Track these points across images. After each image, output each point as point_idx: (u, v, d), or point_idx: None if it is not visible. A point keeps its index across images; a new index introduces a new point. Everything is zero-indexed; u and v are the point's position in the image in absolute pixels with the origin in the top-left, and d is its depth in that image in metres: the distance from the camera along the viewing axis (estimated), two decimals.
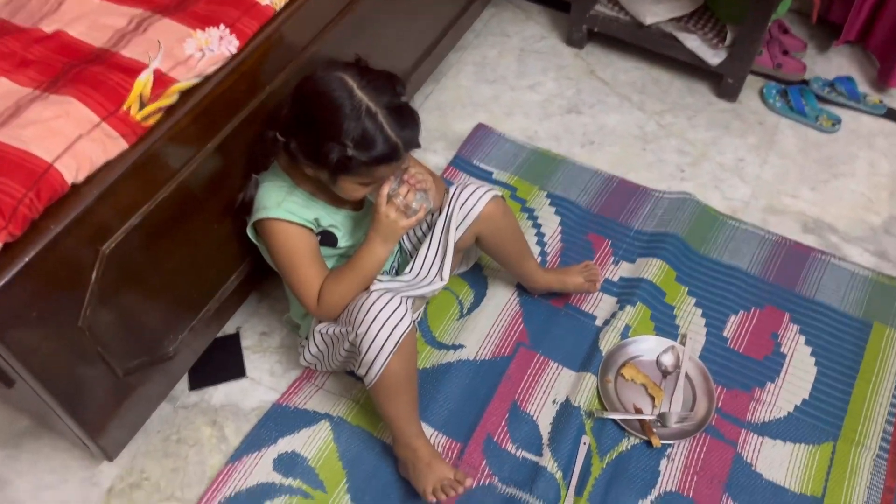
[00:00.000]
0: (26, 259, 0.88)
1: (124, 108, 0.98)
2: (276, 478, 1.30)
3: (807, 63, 1.95)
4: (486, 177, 1.74)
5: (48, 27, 1.08)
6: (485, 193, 1.30)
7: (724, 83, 1.88)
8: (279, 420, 1.37)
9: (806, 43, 2.01)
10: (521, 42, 2.06)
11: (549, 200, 1.70)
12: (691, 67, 1.93)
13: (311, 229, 1.19)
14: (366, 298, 1.16)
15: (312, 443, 1.34)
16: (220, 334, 1.47)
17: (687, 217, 1.65)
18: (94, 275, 0.99)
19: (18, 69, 1.01)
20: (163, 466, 1.32)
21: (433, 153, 1.81)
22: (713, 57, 1.84)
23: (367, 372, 1.17)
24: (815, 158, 1.79)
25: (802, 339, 1.48)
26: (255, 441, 1.34)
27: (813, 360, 1.46)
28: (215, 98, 1.08)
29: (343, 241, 1.25)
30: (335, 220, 1.23)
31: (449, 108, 1.90)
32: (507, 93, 1.94)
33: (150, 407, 1.29)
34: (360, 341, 1.15)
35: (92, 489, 1.29)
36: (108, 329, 1.07)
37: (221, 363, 1.45)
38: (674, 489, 1.29)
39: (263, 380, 1.43)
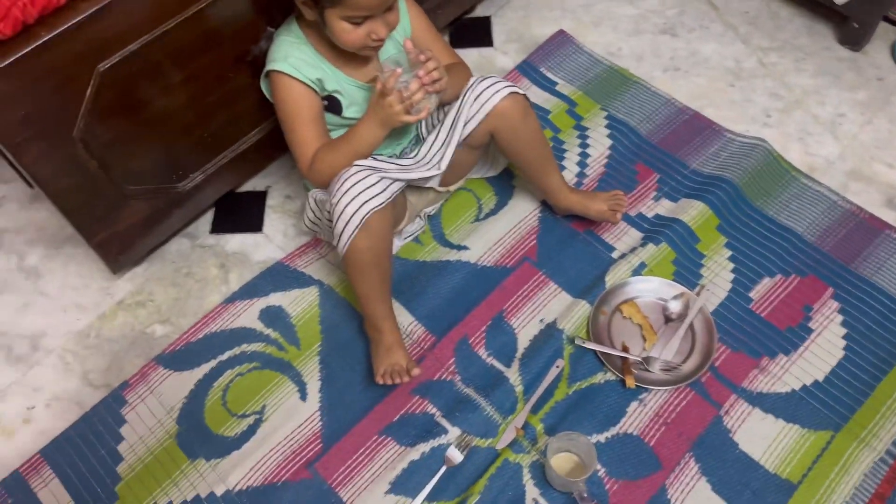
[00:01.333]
0: (13, 58, 0.96)
1: None
2: (259, 326, 1.38)
3: None
4: (549, 86, 1.66)
5: None
6: (503, 88, 1.24)
7: (849, 27, 1.64)
8: (277, 276, 1.43)
9: None
10: None
11: (606, 122, 1.59)
12: (817, 5, 1.69)
13: (315, 91, 1.20)
14: (345, 171, 1.16)
15: (299, 303, 1.40)
16: (249, 188, 1.55)
17: (752, 164, 1.49)
18: (88, 91, 1.06)
19: None
20: (167, 293, 1.43)
21: (503, 54, 1.74)
22: None
23: (337, 243, 1.19)
24: None
25: (840, 318, 1.32)
26: (250, 289, 1.42)
27: (844, 343, 1.29)
28: None
29: (348, 112, 1.25)
30: (341, 86, 1.22)
31: (536, 9, 1.81)
32: (603, 2, 1.80)
33: (161, 237, 1.40)
34: (332, 210, 1.16)
35: (106, 298, 1.44)
36: (107, 148, 1.15)
37: (244, 215, 1.53)
38: (635, 433, 1.23)
39: (276, 238, 1.50)
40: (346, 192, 1.14)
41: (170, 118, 1.22)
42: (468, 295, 1.39)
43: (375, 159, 1.24)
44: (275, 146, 1.45)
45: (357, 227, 1.14)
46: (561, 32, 1.74)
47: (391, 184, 1.18)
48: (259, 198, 1.56)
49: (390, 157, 1.31)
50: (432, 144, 1.28)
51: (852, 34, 1.64)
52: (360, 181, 1.14)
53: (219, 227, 1.52)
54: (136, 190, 1.25)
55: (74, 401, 1.31)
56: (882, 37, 1.66)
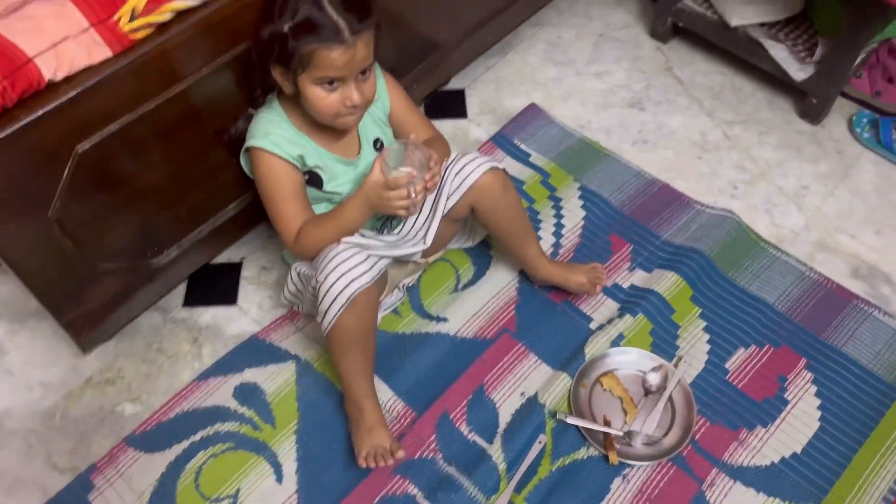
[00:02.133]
0: None
1: (115, 17, 1.02)
2: (233, 404, 1.34)
3: None
4: (523, 158, 1.69)
5: None
6: (483, 163, 1.27)
7: (807, 102, 1.71)
8: (252, 351, 1.40)
9: None
10: (603, 27, 1.96)
11: (579, 193, 1.62)
12: (777, 81, 1.76)
13: (296, 166, 1.20)
14: (333, 248, 1.16)
15: (275, 379, 1.37)
16: (223, 260, 1.53)
17: (722, 236, 1.52)
18: (66, 170, 1.04)
19: None
20: (138, 370, 1.39)
21: (477, 126, 1.77)
22: (799, 71, 1.67)
23: (321, 320, 1.17)
24: (892, 201, 1.59)
25: (814, 389, 1.34)
26: (224, 365, 1.39)
27: (819, 413, 1.31)
28: (214, 23, 1.10)
29: (329, 185, 1.25)
30: (322, 161, 1.23)
31: (507, 83, 1.85)
32: (572, 77, 1.86)
33: (132, 313, 1.36)
34: (319, 288, 1.15)
35: (73, 376, 1.39)
36: (82, 227, 1.13)
37: (218, 287, 1.51)
38: None
39: (251, 311, 1.48)
40: (333, 269, 1.13)
41: (147, 195, 1.20)
42: (448, 368, 1.38)
43: (362, 235, 1.24)
44: (251, 218, 1.44)
45: (343, 305, 1.13)
46: (532, 105, 1.78)
47: (378, 261, 1.18)
48: (234, 269, 1.54)
49: (373, 229, 1.31)
50: (416, 219, 1.29)
51: (811, 109, 1.71)
52: (347, 259, 1.14)
53: (192, 300, 1.49)
54: (110, 267, 1.22)
55: (38, 486, 1.25)
56: (839, 111, 1.74)
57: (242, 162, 1.25)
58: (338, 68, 1.08)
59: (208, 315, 1.47)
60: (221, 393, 1.35)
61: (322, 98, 1.11)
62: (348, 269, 1.14)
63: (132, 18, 1.02)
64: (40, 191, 1.05)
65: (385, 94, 1.30)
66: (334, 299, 1.14)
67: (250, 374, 1.38)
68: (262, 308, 1.48)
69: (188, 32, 1.08)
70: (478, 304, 1.46)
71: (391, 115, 1.32)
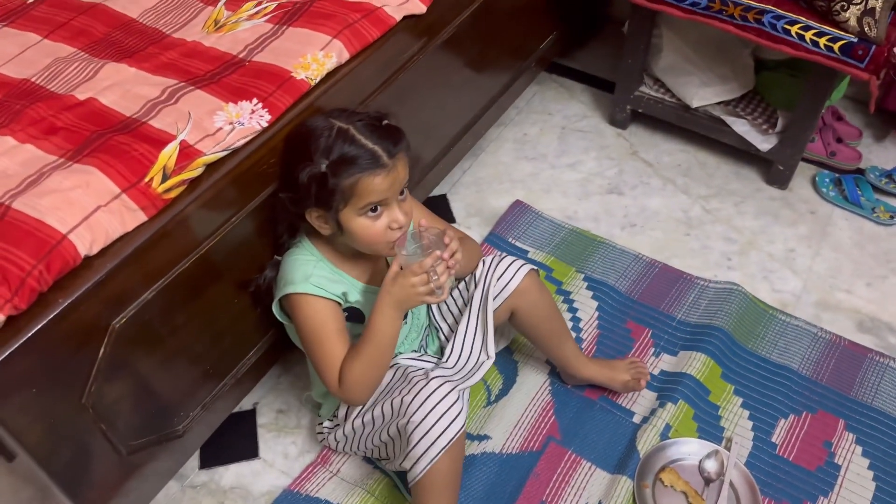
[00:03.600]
0: (29, 334, 0.84)
1: (146, 179, 0.95)
2: None
3: (862, 152, 1.87)
4: (521, 255, 1.68)
5: (81, 94, 1.07)
6: (521, 266, 1.26)
7: (774, 170, 1.81)
8: None
9: (861, 131, 1.93)
10: (564, 120, 2.03)
11: (586, 283, 1.62)
12: (739, 152, 1.86)
13: (339, 303, 1.14)
14: (425, 385, 1.09)
15: None
16: (235, 410, 1.42)
17: (734, 309, 1.55)
18: (101, 351, 0.94)
19: (46, 136, 1.00)
20: None
21: (467, 229, 1.76)
22: (763, 142, 1.77)
23: (412, 466, 1.09)
24: (872, 252, 1.69)
25: (859, 449, 1.36)
26: None
27: (871, 473, 1.33)
28: (242, 172, 1.05)
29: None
30: (363, 296, 1.17)
31: (486, 183, 1.86)
32: (547, 170, 1.89)
33: (156, 487, 1.23)
34: (413, 431, 1.08)
35: None
36: (114, 406, 1.02)
37: (234, 441, 1.39)
38: None
39: (276, 462, 1.36)
40: (430, 410, 1.07)
41: (178, 358, 1.10)
42: (503, 489, 1.31)
43: (424, 361, 1.18)
44: (269, 361, 1.35)
45: (443, 448, 1.07)
46: (518, 202, 1.80)
47: (465, 395, 1.13)
48: (248, 418, 1.43)
49: (415, 353, 1.25)
50: (465, 336, 1.24)
51: (778, 175, 1.81)
52: (443, 398, 1.08)
53: (209, 461, 1.36)
54: (138, 444, 1.10)
55: None
56: (803, 174, 1.85)
57: (275, 310, 1.17)
58: (382, 192, 1.05)
59: (230, 474, 1.34)
60: None
61: (368, 227, 1.07)
62: (446, 409, 1.08)
63: (164, 178, 0.96)
64: (74, 376, 0.94)
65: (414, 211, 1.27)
66: (433, 443, 1.07)
67: None
68: (288, 457, 1.37)
69: (219, 185, 1.02)
70: (516, 415, 1.41)
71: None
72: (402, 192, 1.10)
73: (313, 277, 1.11)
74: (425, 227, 1.10)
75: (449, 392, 1.08)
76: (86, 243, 0.89)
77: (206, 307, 1.11)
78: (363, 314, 1.18)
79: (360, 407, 1.20)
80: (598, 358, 1.46)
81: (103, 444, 1.04)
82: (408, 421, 1.08)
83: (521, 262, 1.27)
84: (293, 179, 1.04)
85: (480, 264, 1.28)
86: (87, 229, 0.89)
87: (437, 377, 1.11)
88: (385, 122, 1.08)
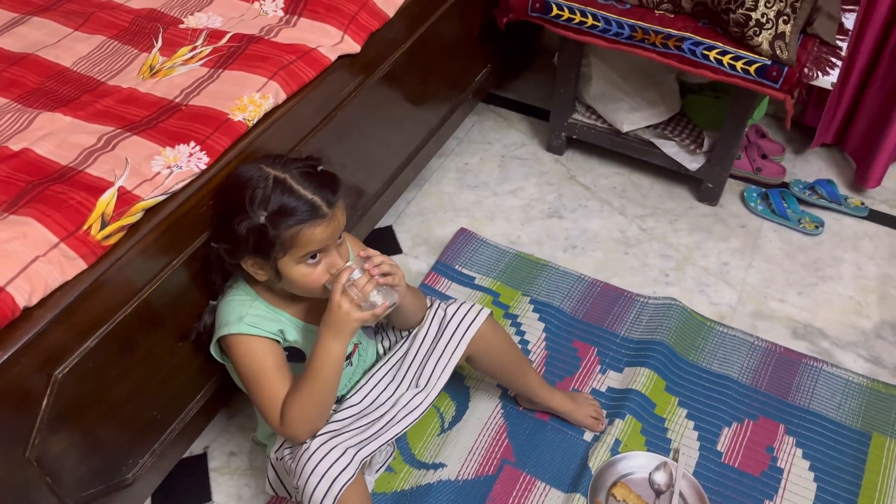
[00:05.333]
0: None
1: (85, 227, 0.95)
2: None
3: (786, 166, 1.97)
4: (468, 282, 1.71)
5: (15, 145, 1.07)
6: (479, 313, 1.26)
7: (704, 187, 1.89)
8: None
9: (784, 146, 2.03)
10: (503, 149, 2.08)
11: (532, 306, 1.66)
12: (670, 172, 1.94)
13: (277, 341, 1.14)
14: (304, 448, 1.10)
15: None
16: (185, 455, 1.40)
17: (674, 323, 1.61)
18: (44, 402, 0.93)
19: None
20: None
21: (414, 258, 1.79)
22: (692, 162, 1.85)
23: None
24: (801, 262, 1.77)
25: (799, 452, 1.42)
26: None
27: (812, 474, 1.38)
28: (181, 215, 1.05)
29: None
30: (301, 335, 1.17)
31: (431, 213, 1.89)
32: (489, 198, 1.94)
33: None
34: (302, 494, 1.09)
35: None
36: (60, 459, 1.00)
37: (187, 487, 1.37)
38: None
39: None
40: (312, 471, 1.07)
41: (123, 406, 1.09)
42: None
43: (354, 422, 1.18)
44: (217, 404, 1.34)
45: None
46: (463, 230, 1.83)
47: (358, 451, 1.12)
48: (199, 462, 1.41)
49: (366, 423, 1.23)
50: (402, 380, 1.24)
51: (708, 193, 1.89)
52: (323, 457, 1.08)
53: None
54: (86, 496, 1.08)
55: None
56: (731, 190, 1.93)
57: (213, 351, 1.17)
58: (322, 241, 1.05)
59: None
60: None
61: (308, 274, 1.07)
62: (327, 467, 1.08)
63: (104, 225, 0.96)
64: (16, 430, 0.92)
65: (350, 253, 1.28)
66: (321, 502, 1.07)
67: None
68: (242, 498, 1.36)
69: (159, 229, 1.03)
70: (470, 441, 1.43)
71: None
72: (339, 236, 1.11)
73: (247, 317, 1.11)
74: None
75: (331, 450, 1.09)
76: (24, 295, 0.88)
77: (150, 353, 1.10)
78: (304, 353, 1.18)
79: (277, 455, 1.19)
80: (556, 387, 1.46)
81: (50, 499, 1.01)
82: (296, 485, 1.10)
83: (474, 308, 1.26)
84: (229, 230, 1.04)
85: (432, 312, 1.27)
86: (25, 280, 0.88)
87: (319, 436, 1.11)
88: (320, 167, 1.08)
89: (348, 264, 1.09)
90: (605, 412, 1.46)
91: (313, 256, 1.07)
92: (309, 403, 1.10)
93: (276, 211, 1.01)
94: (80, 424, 1.02)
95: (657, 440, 1.43)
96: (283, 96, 1.20)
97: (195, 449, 1.42)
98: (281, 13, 1.35)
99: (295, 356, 1.19)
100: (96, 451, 1.08)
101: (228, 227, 1.04)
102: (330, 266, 1.09)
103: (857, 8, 1.66)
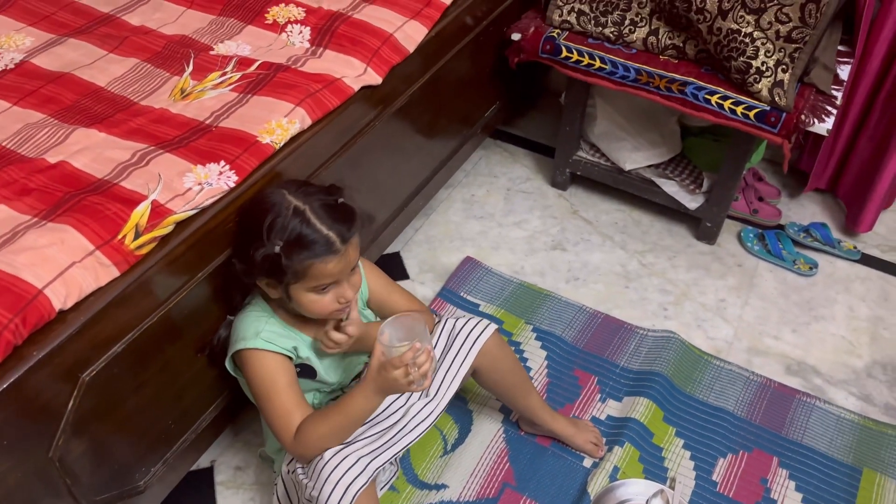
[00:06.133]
0: (4, 386, 0.86)
1: (119, 237, 1.00)
2: None
3: (782, 209, 2.03)
4: (472, 309, 1.76)
5: (52, 158, 1.12)
6: (486, 326, 1.30)
7: (702, 226, 1.95)
8: None
9: (780, 190, 2.10)
10: (508, 182, 2.14)
11: (534, 334, 1.71)
12: (670, 210, 2.00)
13: (290, 358, 1.18)
14: (319, 459, 1.13)
15: None
16: (193, 467, 1.42)
17: (672, 356, 1.65)
18: (71, 403, 0.96)
19: (19, 197, 1.04)
20: None
21: (420, 284, 1.83)
22: (691, 202, 1.92)
23: None
24: (795, 301, 1.83)
25: (792, 484, 1.45)
26: None
27: None
28: (210, 230, 1.10)
29: (322, 375, 1.24)
30: (314, 352, 1.21)
31: (438, 241, 1.95)
32: (495, 229, 1.99)
33: None
34: (317, 501, 1.11)
35: None
36: (80, 461, 1.03)
37: (193, 500, 1.39)
38: None
39: None
40: (326, 479, 1.10)
41: (142, 412, 1.12)
42: None
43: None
44: (227, 418, 1.37)
45: None
46: (468, 258, 1.88)
47: (370, 461, 1.15)
48: (205, 476, 1.43)
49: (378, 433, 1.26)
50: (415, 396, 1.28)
51: (706, 232, 1.95)
52: (337, 465, 1.11)
53: None
54: (100, 500, 1.10)
55: None
56: (729, 230, 2.00)
57: (228, 366, 1.21)
58: (333, 276, 1.09)
59: None
60: None
61: (316, 301, 1.12)
62: (341, 475, 1.10)
63: (137, 235, 1.01)
64: (43, 429, 0.95)
65: (364, 281, 1.31)
66: None
67: None
68: None
69: (188, 241, 1.07)
70: (472, 463, 1.46)
71: (370, 299, 1.34)
72: (353, 268, 1.14)
73: (264, 333, 1.15)
74: (406, 314, 1.11)
75: (343, 459, 1.11)
76: (60, 298, 0.92)
77: (169, 362, 1.14)
78: (315, 370, 1.22)
79: (289, 469, 1.22)
80: (558, 412, 1.50)
81: (67, 501, 1.04)
82: (310, 495, 1.12)
83: (481, 322, 1.30)
84: (246, 253, 1.08)
85: (441, 325, 1.31)
86: (61, 284, 0.93)
87: (331, 449, 1.13)
88: (341, 199, 1.12)
89: (424, 344, 1.08)
90: (604, 440, 1.49)
91: (324, 287, 1.11)
92: (332, 433, 1.14)
93: (292, 242, 1.05)
94: (100, 428, 1.05)
95: (655, 468, 1.46)
96: (308, 122, 1.26)
97: (202, 462, 1.45)
98: (308, 45, 1.42)
99: (306, 373, 1.23)
100: (113, 456, 1.11)
101: (246, 249, 1.08)
102: (339, 296, 1.13)
103: (852, 61, 1.74)
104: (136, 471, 1.17)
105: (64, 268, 0.94)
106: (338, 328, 1.17)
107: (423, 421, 1.23)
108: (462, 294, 1.80)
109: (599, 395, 1.59)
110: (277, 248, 1.05)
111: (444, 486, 1.41)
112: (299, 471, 1.19)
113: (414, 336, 1.08)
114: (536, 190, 2.13)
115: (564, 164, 2.07)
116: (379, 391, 1.12)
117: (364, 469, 1.12)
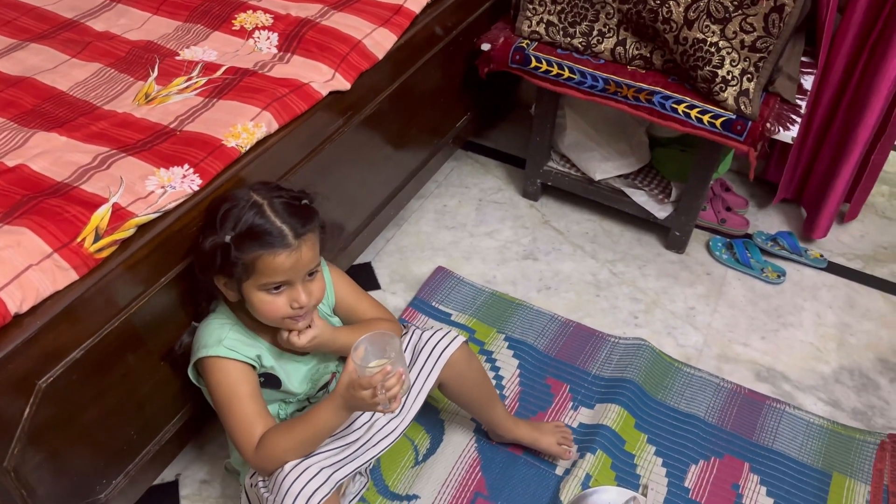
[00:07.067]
0: None
1: (78, 239, 0.97)
2: None
3: (749, 219, 2.06)
4: (444, 318, 1.75)
5: (10, 161, 1.09)
6: (453, 338, 1.28)
7: (671, 236, 1.96)
8: None
9: (747, 200, 2.13)
10: (480, 193, 2.15)
11: (507, 343, 1.70)
12: (640, 220, 2.02)
13: (254, 367, 1.16)
14: (280, 472, 1.10)
15: None
16: (157, 481, 1.38)
17: (643, 363, 1.66)
18: (27, 411, 0.93)
19: None
20: None
21: (392, 294, 1.82)
22: (660, 211, 1.93)
23: None
24: (764, 309, 1.84)
25: (764, 489, 1.45)
26: None
27: None
28: (173, 233, 1.08)
29: (287, 384, 1.21)
30: (277, 361, 1.19)
31: (409, 251, 1.94)
32: (466, 239, 1.99)
33: None
34: None
35: None
36: (36, 471, 0.99)
37: None
38: None
39: None
40: (287, 491, 1.07)
41: (101, 422, 1.09)
42: None
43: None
44: (191, 431, 1.34)
45: None
46: (440, 268, 1.87)
47: (333, 472, 1.12)
48: (170, 490, 1.40)
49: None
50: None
51: (675, 241, 1.97)
52: (297, 477, 1.08)
53: None
54: None
55: None
56: (697, 239, 2.01)
57: (191, 375, 1.18)
58: (283, 272, 1.06)
59: None
60: None
61: (268, 302, 1.09)
62: (302, 486, 1.08)
63: (97, 238, 0.98)
64: None
65: (331, 287, 1.29)
66: None
67: None
68: None
69: (150, 245, 1.05)
70: (444, 473, 1.44)
71: (337, 305, 1.31)
72: (311, 273, 1.12)
73: (226, 340, 1.12)
74: (384, 332, 1.07)
75: (304, 471, 1.09)
76: (16, 301, 0.90)
77: (132, 369, 1.11)
78: (279, 379, 1.20)
79: (252, 482, 1.19)
80: (525, 419, 1.49)
81: None
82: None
83: (449, 334, 1.28)
84: (201, 245, 1.07)
85: (407, 337, 1.29)
86: (17, 287, 0.90)
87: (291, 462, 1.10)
88: (305, 201, 1.10)
89: (397, 367, 1.04)
90: (575, 446, 1.48)
91: (277, 287, 1.08)
92: (294, 449, 1.11)
93: (243, 232, 1.04)
94: (58, 437, 1.02)
95: (627, 475, 1.46)
96: (275, 126, 1.24)
97: (167, 476, 1.41)
98: (275, 50, 1.41)
99: (270, 382, 1.21)
100: (72, 468, 1.07)
101: (201, 242, 1.07)
102: (292, 299, 1.10)
103: (815, 71, 1.78)
104: (97, 483, 1.14)
105: (20, 270, 0.91)
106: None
107: (387, 435, 1.21)
108: (434, 304, 1.78)
109: (571, 403, 1.59)
110: (227, 238, 1.03)
111: (415, 497, 1.39)
112: (260, 484, 1.16)
113: (388, 357, 1.05)
114: (508, 200, 2.13)
115: (535, 175, 2.08)
116: (346, 407, 1.09)
117: (327, 480, 1.09)
